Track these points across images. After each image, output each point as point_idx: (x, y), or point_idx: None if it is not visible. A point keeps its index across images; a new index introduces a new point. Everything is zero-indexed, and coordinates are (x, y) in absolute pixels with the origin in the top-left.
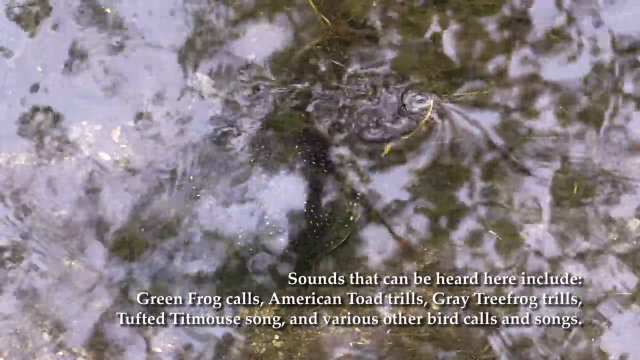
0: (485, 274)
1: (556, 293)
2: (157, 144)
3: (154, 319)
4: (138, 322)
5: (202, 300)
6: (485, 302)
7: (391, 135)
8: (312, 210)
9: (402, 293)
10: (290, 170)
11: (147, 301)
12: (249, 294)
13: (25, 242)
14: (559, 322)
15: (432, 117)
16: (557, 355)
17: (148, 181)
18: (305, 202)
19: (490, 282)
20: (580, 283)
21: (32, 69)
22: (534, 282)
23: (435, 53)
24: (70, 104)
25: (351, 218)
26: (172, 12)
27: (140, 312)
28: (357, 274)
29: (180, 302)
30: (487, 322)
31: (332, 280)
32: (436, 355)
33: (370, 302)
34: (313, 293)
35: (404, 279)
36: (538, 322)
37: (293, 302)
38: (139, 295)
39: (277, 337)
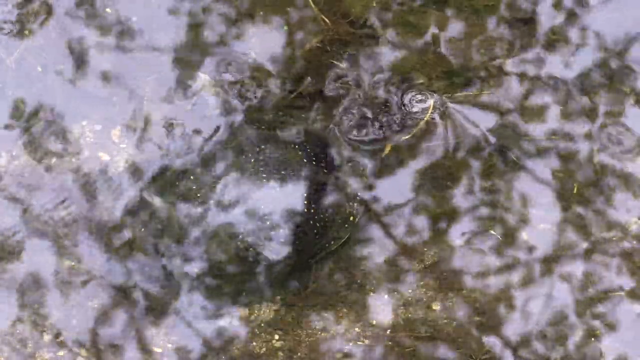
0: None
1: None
2: (157, 144)
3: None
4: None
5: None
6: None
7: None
8: (312, 210)
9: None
10: (291, 170)
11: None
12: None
13: (24, 242)
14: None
15: (432, 117)
16: (557, 355)
17: (148, 181)
18: (305, 202)
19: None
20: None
21: (32, 69)
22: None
23: (436, 53)
24: (70, 104)
25: (351, 218)
26: (172, 12)
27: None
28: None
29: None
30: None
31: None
32: (436, 355)
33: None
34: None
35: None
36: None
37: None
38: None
39: (277, 337)
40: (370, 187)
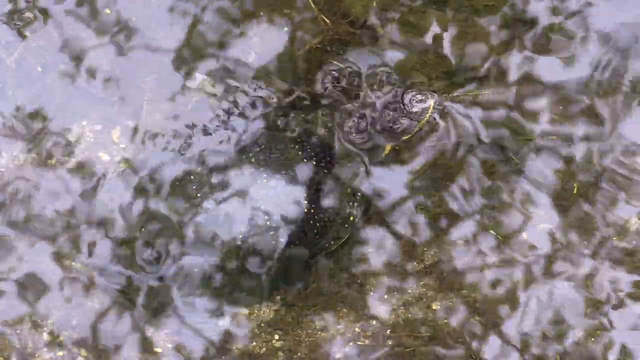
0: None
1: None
2: (156, 143)
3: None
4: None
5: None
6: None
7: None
8: (312, 210)
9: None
10: (291, 170)
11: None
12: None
13: (24, 242)
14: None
15: (432, 117)
16: (557, 355)
17: (148, 181)
18: (306, 202)
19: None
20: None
21: (32, 69)
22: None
23: (436, 53)
24: (70, 104)
25: (351, 218)
26: (172, 12)
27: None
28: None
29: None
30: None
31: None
32: (436, 355)
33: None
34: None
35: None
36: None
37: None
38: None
39: (277, 337)
40: (369, 187)
